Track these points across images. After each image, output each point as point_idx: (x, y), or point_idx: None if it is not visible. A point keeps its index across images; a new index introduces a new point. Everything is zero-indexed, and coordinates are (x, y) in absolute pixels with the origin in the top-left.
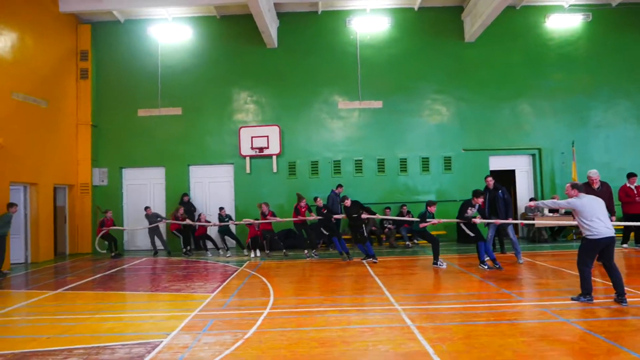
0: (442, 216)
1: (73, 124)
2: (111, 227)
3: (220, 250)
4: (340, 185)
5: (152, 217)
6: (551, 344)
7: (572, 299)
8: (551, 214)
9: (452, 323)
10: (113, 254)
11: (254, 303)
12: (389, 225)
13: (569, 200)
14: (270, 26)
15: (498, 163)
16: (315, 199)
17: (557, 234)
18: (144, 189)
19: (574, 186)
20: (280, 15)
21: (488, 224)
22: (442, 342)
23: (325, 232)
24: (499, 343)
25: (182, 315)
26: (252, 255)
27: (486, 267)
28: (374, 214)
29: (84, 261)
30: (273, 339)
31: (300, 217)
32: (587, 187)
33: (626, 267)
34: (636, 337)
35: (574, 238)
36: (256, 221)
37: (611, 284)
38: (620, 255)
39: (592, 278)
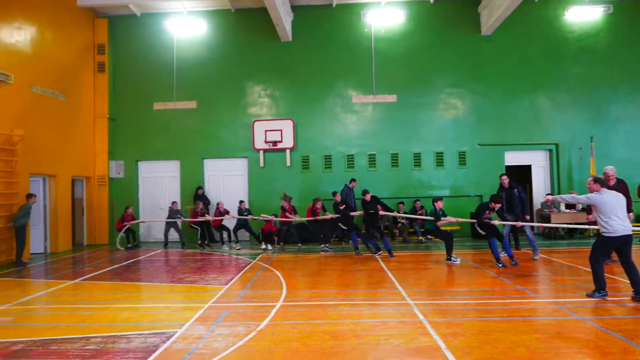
0: (457, 212)
1: (90, 117)
2: (131, 222)
3: (232, 243)
4: (353, 180)
5: (174, 213)
6: (565, 341)
7: (587, 295)
8: (567, 210)
9: (465, 318)
10: (130, 245)
11: (267, 295)
12: (402, 220)
13: (589, 195)
14: (284, 19)
15: (514, 158)
16: (334, 194)
17: (573, 231)
18: (159, 182)
19: (597, 180)
20: (294, 9)
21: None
22: (454, 338)
23: (344, 227)
24: (512, 339)
25: (197, 307)
26: (263, 246)
27: (501, 265)
28: (392, 211)
29: (101, 252)
30: (285, 331)
31: (314, 217)
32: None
33: None
34: None
35: (591, 235)
36: (275, 218)
37: (629, 282)
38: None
39: (613, 276)
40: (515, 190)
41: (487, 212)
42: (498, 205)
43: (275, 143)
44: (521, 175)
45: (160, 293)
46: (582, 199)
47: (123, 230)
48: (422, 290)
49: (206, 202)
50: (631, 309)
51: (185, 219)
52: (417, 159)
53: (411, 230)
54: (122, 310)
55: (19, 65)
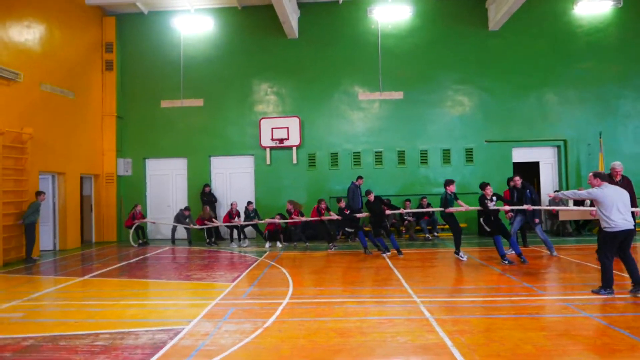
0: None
1: (99, 115)
2: (142, 220)
3: (240, 240)
4: (360, 177)
5: (184, 217)
6: (573, 338)
7: (593, 292)
8: (576, 207)
9: (471, 316)
10: (141, 241)
11: (274, 293)
12: (409, 218)
13: (590, 190)
14: (291, 17)
15: (521, 155)
16: (339, 200)
17: (582, 228)
18: (166, 180)
19: (597, 175)
20: (301, 6)
21: (513, 219)
22: (461, 335)
23: (350, 230)
24: (519, 337)
25: (204, 304)
26: (268, 245)
27: (507, 262)
28: (398, 209)
29: (110, 249)
30: (292, 328)
31: (319, 217)
32: (608, 179)
33: None
34: None
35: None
36: (281, 220)
37: (627, 272)
38: None
39: (619, 273)
40: (528, 191)
41: (486, 201)
42: (488, 190)
43: (281, 140)
44: (529, 172)
45: (167, 290)
46: (583, 194)
47: (133, 227)
48: (429, 288)
49: (213, 199)
50: (639, 306)
51: (193, 227)
52: (423, 156)
53: (418, 227)
54: (130, 306)
55: (29, 64)
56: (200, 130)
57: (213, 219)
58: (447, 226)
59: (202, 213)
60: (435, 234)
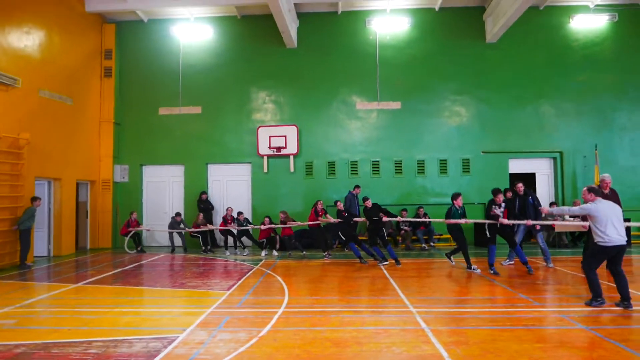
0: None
1: (96, 122)
2: (137, 228)
3: (237, 250)
4: (357, 186)
5: (177, 224)
6: (569, 350)
7: (585, 304)
8: (572, 219)
9: (467, 327)
10: (139, 248)
11: (269, 302)
12: (405, 227)
13: (583, 205)
14: (290, 26)
15: (518, 166)
16: (336, 202)
17: (577, 239)
18: (163, 186)
19: (591, 190)
20: (300, 16)
21: (517, 228)
22: (456, 346)
23: (343, 237)
24: (515, 348)
25: (198, 312)
26: (264, 253)
27: (492, 272)
28: (395, 216)
29: (104, 256)
30: (287, 337)
31: (317, 221)
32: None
33: None
34: None
35: None
36: (274, 225)
37: (616, 288)
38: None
39: (612, 284)
40: (530, 197)
41: (494, 206)
42: (500, 197)
43: (279, 149)
44: (525, 183)
45: (162, 298)
46: (576, 210)
47: (129, 235)
48: (425, 298)
49: (210, 207)
50: (636, 319)
51: (190, 230)
52: (420, 166)
53: (414, 237)
54: (124, 314)
55: (27, 70)
56: (197, 137)
57: (207, 224)
58: (443, 236)
59: (195, 219)
60: (432, 244)
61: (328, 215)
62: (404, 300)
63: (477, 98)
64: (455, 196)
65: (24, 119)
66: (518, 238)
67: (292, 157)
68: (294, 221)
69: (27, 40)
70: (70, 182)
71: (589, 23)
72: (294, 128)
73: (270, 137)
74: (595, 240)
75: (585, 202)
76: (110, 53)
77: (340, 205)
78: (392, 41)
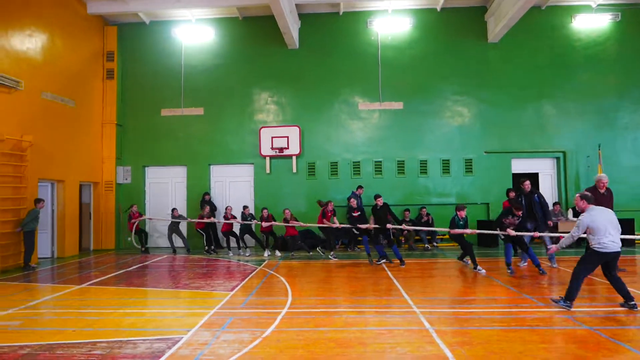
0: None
1: (99, 123)
2: (139, 218)
3: (240, 250)
4: (360, 187)
5: (176, 218)
6: (573, 351)
7: (552, 300)
8: (575, 219)
9: (471, 327)
10: (143, 248)
11: (273, 302)
12: (406, 229)
13: (578, 223)
14: (291, 27)
15: (521, 166)
16: (349, 199)
17: (582, 239)
18: (166, 188)
19: (583, 197)
20: (301, 16)
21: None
22: (461, 347)
23: (356, 231)
24: (520, 349)
25: (202, 313)
26: (266, 254)
27: (510, 271)
28: (401, 223)
29: (108, 257)
30: (291, 338)
31: (324, 224)
32: (593, 190)
33: None
34: None
35: None
36: (276, 223)
37: (617, 292)
38: None
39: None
40: (536, 195)
41: (510, 217)
42: (520, 212)
43: (281, 149)
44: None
45: (166, 298)
46: (575, 232)
47: (134, 229)
48: (428, 298)
49: (213, 208)
50: None
51: (192, 220)
52: (423, 166)
53: (417, 237)
54: (128, 315)
55: (30, 72)
56: (200, 138)
57: (212, 218)
58: (446, 236)
59: (201, 212)
60: (435, 244)
61: (335, 219)
62: (408, 300)
63: (479, 98)
64: (459, 207)
65: (26, 121)
66: (527, 238)
67: (294, 157)
68: (297, 220)
69: (29, 42)
70: (73, 183)
71: (591, 23)
72: (296, 129)
73: (272, 137)
74: (591, 245)
75: (578, 209)
76: (112, 55)
77: (354, 202)
78: (394, 42)
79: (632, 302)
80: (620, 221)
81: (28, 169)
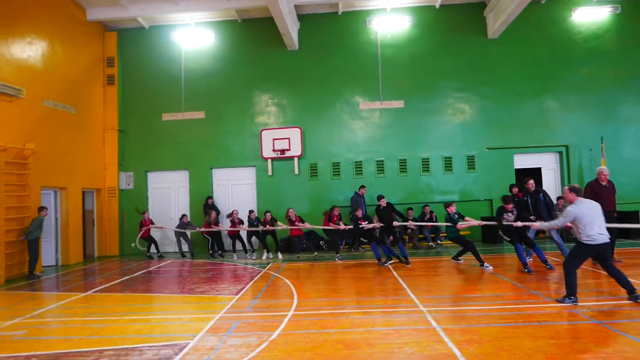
0: (468, 216)
1: (100, 129)
2: (150, 226)
3: (247, 254)
4: (363, 186)
5: (184, 225)
6: (583, 346)
7: (557, 301)
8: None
9: (479, 325)
10: (148, 253)
11: (278, 305)
12: (412, 226)
13: (567, 212)
14: (291, 28)
15: (523, 161)
16: (356, 209)
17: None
18: (168, 192)
19: (572, 190)
20: (300, 17)
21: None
22: (469, 345)
23: (364, 239)
24: (529, 345)
25: (208, 317)
26: (264, 256)
27: (527, 270)
28: (407, 220)
29: (112, 263)
30: (298, 341)
31: (329, 226)
32: (596, 183)
33: None
34: None
35: None
36: (283, 226)
37: (618, 284)
38: None
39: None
40: (541, 194)
41: (505, 214)
42: (511, 205)
43: (283, 151)
44: (531, 178)
45: (171, 304)
46: (564, 221)
47: (141, 234)
48: (435, 297)
49: (217, 212)
50: None
51: (199, 229)
52: (425, 164)
53: (421, 236)
54: (133, 322)
55: (31, 80)
56: (201, 142)
57: (219, 224)
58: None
59: (207, 217)
60: (439, 241)
61: (341, 222)
62: (414, 299)
63: (480, 94)
64: (447, 204)
65: (28, 129)
66: (531, 234)
67: (296, 159)
68: (303, 221)
69: (30, 50)
70: (76, 190)
71: (591, 16)
72: (298, 130)
73: (273, 139)
74: (580, 239)
75: (567, 200)
76: (112, 61)
77: (360, 213)
78: (393, 40)
79: (634, 294)
80: (624, 213)
81: (31, 177)
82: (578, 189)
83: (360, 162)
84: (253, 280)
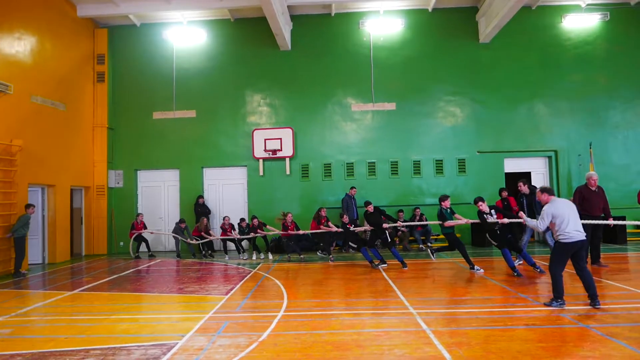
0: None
1: (90, 127)
2: (141, 231)
3: (240, 254)
4: (353, 188)
5: (182, 230)
6: (571, 350)
7: (545, 304)
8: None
9: (469, 327)
10: (150, 253)
11: (268, 305)
12: (403, 229)
13: (544, 214)
14: (283, 29)
15: (513, 165)
16: (342, 215)
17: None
18: (158, 191)
19: (544, 190)
20: (293, 18)
21: (524, 231)
22: (458, 347)
23: (354, 245)
24: (518, 348)
25: (197, 317)
26: (255, 257)
27: (516, 274)
28: (396, 221)
29: (100, 262)
30: (287, 342)
31: (318, 229)
32: (585, 188)
33: None
34: None
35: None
36: (276, 231)
37: (583, 287)
38: None
39: (616, 283)
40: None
41: (485, 214)
42: (480, 204)
43: (274, 152)
44: (528, 181)
45: (160, 303)
46: (541, 223)
47: (133, 237)
48: (425, 299)
49: (207, 211)
50: (636, 317)
51: (191, 242)
52: (416, 167)
53: (411, 238)
54: (121, 321)
55: (19, 76)
56: (192, 141)
57: (210, 231)
58: (440, 236)
59: (198, 224)
60: (429, 244)
61: (330, 224)
62: (404, 301)
63: (472, 98)
64: (442, 198)
65: (16, 125)
66: (526, 238)
67: (287, 159)
68: (297, 227)
69: (18, 46)
70: (64, 188)
71: (580, 22)
72: (289, 130)
73: (265, 140)
74: (557, 238)
75: (542, 202)
76: (102, 58)
77: (346, 219)
78: (386, 42)
79: (596, 301)
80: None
81: (18, 174)
82: (549, 189)
83: (352, 163)
84: (243, 281)
